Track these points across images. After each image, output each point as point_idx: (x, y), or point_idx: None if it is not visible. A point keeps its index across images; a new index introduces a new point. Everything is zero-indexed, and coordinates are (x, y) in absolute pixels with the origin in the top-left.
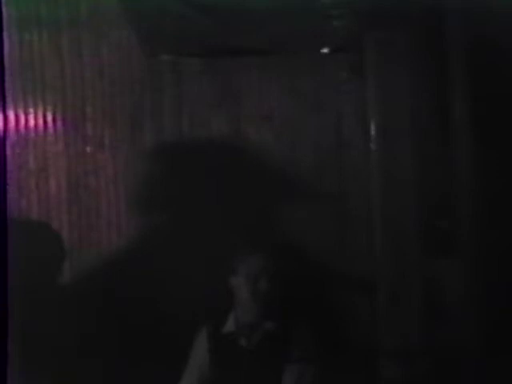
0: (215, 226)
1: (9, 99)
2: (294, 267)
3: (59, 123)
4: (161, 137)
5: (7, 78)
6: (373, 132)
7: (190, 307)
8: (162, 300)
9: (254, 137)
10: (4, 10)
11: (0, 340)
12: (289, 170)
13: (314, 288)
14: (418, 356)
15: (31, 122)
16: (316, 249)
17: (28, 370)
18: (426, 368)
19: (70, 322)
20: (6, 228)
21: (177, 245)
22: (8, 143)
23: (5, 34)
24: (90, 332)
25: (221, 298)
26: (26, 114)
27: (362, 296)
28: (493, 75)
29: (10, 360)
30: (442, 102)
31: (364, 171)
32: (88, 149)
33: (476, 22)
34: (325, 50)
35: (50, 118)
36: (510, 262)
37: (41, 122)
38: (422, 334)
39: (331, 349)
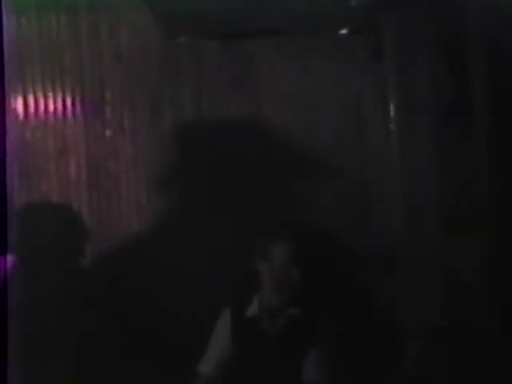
0: (238, 210)
1: (28, 84)
2: (319, 252)
3: (78, 107)
4: (180, 119)
5: (25, 63)
6: (392, 112)
7: (215, 289)
8: (182, 283)
9: (274, 117)
10: None
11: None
12: (309, 151)
13: (337, 272)
14: (438, 335)
15: (51, 107)
16: (339, 231)
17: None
18: (446, 346)
19: (91, 304)
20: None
21: (200, 228)
22: (28, 127)
23: (23, 18)
24: (109, 314)
25: (246, 281)
26: (46, 99)
27: (384, 276)
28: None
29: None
30: (462, 82)
31: (384, 151)
32: (107, 132)
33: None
34: (344, 31)
35: (69, 102)
36: None
37: (60, 106)
38: (442, 313)
39: (354, 332)
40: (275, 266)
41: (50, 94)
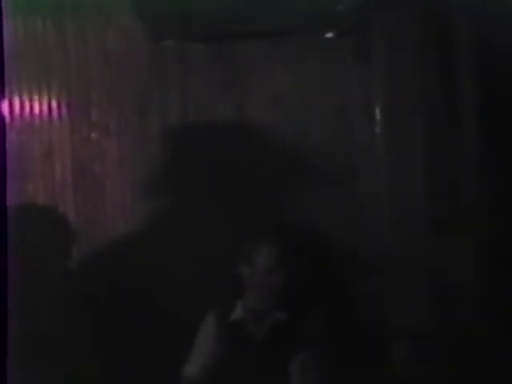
0: (224, 214)
1: (14, 86)
2: (305, 256)
3: (64, 110)
4: (167, 122)
5: (12, 64)
6: (378, 115)
7: (198, 293)
8: (168, 285)
9: (261, 119)
10: None
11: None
12: (296, 153)
13: (323, 277)
14: (426, 336)
15: (36, 109)
16: (325, 234)
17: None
18: (434, 348)
19: (77, 306)
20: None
21: (186, 231)
22: (13, 130)
23: (9, 20)
24: (96, 315)
25: (231, 284)
26: (31, 101)
27: (371, 277)
28: (499, 58)
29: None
30: (448, 85)
31: (371, 153)
32: (93, 135)
33: (483, 4)
34: (330, 34)
35: (55, 104)
36: None
37: (46, 108)
38: (430, 313)
39: (341, 334)
40: (258, 270)
41: (36, 97)
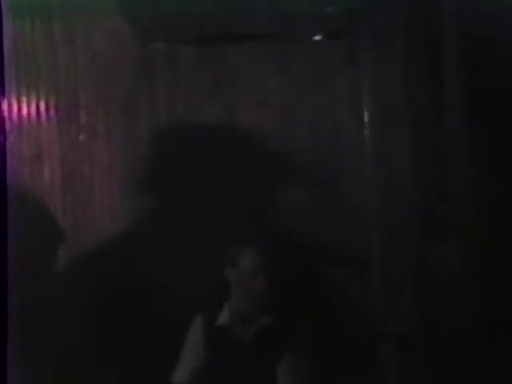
0: (210, 216)
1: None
2: (291, 260)
3: (52, 112)
4: (155, 124)
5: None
6: (367, 117)
7: (184, 297)
8: (155, 288)
9: (249, 122)
10: None
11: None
12: (284, 156)
13: (310, 278)
14: (413, 339)
15: (24, 111)
16: (313, 237)
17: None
18: (421, 350)
19: (65, 309)
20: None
21: (172, 234)
22: (1, 132)
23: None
24: (84, 318)
25: (215, 289)
26: (19, 103)
27: (358, 281)
28: (487, 58)
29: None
30: (435, 86)
31: (358, 157)
32: (81, 137)
33: (472, 9)
34: (318, 37)
35: (43, 106)
36: (505, 245)
37: (34, 110)
38: (417, 316)
39: (327, 337)
40: (244, 273)
41: (24, 99)
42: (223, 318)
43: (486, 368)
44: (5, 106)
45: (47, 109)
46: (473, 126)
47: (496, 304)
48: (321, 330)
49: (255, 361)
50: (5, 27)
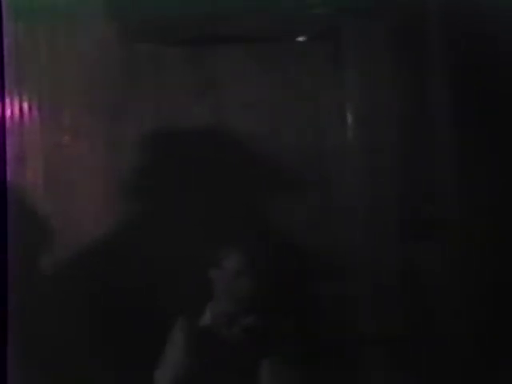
0: (196, 217)
1: None
2: (276, 260)
3: (35, 113)
4: (141, 126)
5: None
6: (352, 120)
7: (166, 298)
8: (140, 291)
9: (236, 124)
10: None
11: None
12: (270, 158)
13: (294, 279)
14: (400, 341)
15: (7, 112)
16: (298, 238)
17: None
18: (408, 353)
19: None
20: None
21: (155, 235)
22: None
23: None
24: (71, 319)
25: (198, 290)
26: (2, 104)
27: (343, 282)
28: (475, 57)
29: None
30: (422, 89)
31: (343, 157)
32: (65, 138)
33: (460, 6)
34: (301, 39)
35: (26, 107)
36: (493, 246)
37: (17, 111)
38: (402, 318)
39: (311, 339)
40: (228, 273)
41: (7, 100)
42: (206, 318)
43: (474, 369)
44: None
45: (30, 110)
46: (460, 127)
47: (483, 305)
48: (305, 331)
49: (238, 361)
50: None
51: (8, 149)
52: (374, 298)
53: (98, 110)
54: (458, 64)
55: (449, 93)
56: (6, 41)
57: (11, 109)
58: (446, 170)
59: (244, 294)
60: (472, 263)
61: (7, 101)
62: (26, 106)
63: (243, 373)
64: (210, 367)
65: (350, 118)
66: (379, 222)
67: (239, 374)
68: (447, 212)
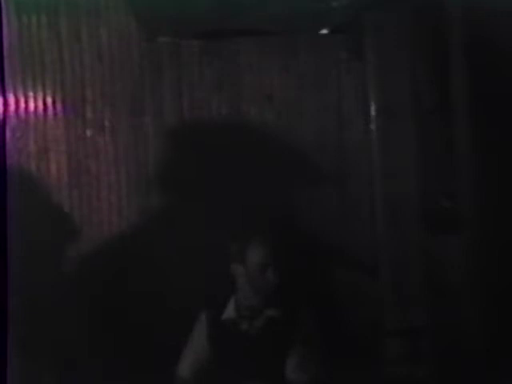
0: (217, 211)
1: (8, 83)
2: (298, 254)
3: (59, 107)
4: (161, 119)
5: (6, 62)
6: (373, 112)
7: (190, 293)
8: (162, 284)
9: (255, 117)
10: None
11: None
12: (289, 151)
13: (317, 272)
14: (421, 334)
15: (31, 106)
16: (319, 232)
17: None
18: (429, 346)
19: (67, 308)
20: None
21: (178, 229)
22: (8, 127)
23: (3, 18)
24: (91, 315)
25: (221, 284)
26: (26, 98)
27: (365, 276)
28: (493, 57)
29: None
30: (442, 81)
31: (364, 152)
32: (88, 132)
33: (479, 5)
34: (324, 31)
35: (49, 101)
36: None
37: (41, 105)
38: (424, 313)
39: (335, 331)
40: (251, 269)
41: (31, 94)
42: (229, 312)
43: (495, 364)
44: (11, 102)
45: (53, 104)
46: (478, 123)
47: (504, 300)
48: (328, 324)
49: (261, 355)
50: (5, 22)
51: (30, 143)
52: (396, 293)
53: (119, 103)
54: (479, 61)
55: (469, 88)
56: (24, 35)
57: (35, 104)
58: (465, 165)
59: (267, 287)
60: (495, 258)
61: (31, 94)
62: (49, 100)
63: (267, 365)
64: (234, 359)
65: (370, 112)
66: (399, 216)
67: (263, 366)
68: (466, 207)
